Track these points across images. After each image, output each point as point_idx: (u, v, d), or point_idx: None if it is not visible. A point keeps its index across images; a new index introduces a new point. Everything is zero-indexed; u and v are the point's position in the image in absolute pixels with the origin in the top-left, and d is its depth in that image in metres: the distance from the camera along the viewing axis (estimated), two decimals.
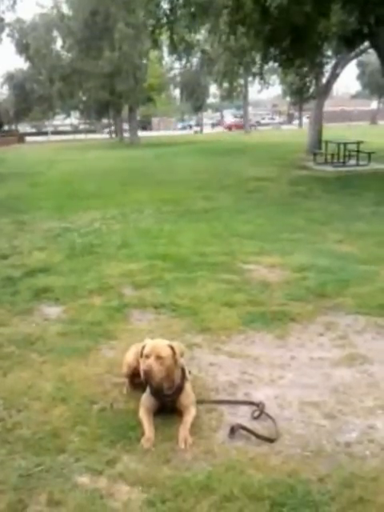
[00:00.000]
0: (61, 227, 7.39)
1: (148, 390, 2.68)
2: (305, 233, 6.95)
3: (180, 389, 2.64)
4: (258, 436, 2.44)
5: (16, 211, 8.85)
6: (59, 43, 38.94)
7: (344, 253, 5.85)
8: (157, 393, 2.64)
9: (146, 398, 2.68)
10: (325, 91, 21.25)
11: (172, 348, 2.59)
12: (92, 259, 5.64)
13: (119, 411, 2.72)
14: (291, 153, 20.71)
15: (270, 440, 2.43)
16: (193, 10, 11.81)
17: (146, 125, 62.53)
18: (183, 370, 2.70)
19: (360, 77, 66.94)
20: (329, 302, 4.25)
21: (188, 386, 2.69)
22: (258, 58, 18.05)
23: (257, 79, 25.33)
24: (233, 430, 2.47)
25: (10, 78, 45.95)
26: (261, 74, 18.77)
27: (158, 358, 2.53)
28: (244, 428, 2.48)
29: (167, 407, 2.66)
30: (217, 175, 14.24)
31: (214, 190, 11.17)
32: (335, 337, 3.59)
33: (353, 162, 15.80)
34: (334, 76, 20.62)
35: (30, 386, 3.03)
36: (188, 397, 2.65)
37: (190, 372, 2.88)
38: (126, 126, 42.31)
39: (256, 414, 2.62)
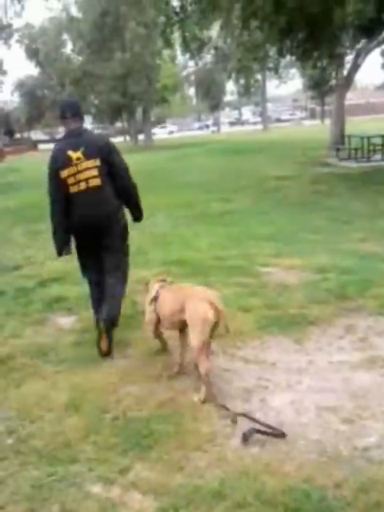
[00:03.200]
0: None
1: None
2: (326, 233, 6.96)
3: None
4: (270, 434, 2.51)
5: (29, 221, 9.06)
6: (69, 46, 39.81)
7: (367, 252, 5.85)
8: None
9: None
10: (346, 83, 21.08)
11: None
12: None
13: (132, 419, 2.80)
14: (312, 149, 20.65)
15: (282, 434, 2.49)
16: (203, 5, 11.87)
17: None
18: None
19: None
20: (350, 303, 4.27)
21: None
22: (272, 52, 18.06)
23: (274, 75, 25.39)
24: (246, 437, 2.53)
25: (20, 85, 46.92)
26: (276, 69, 18.72)
27: None
28: (258, 431, 2.53)
29: None
30: (234, 176, 14.30)
31: (230, 191, 11.23)
32: (355, 339, 3.62)
33: (378, 156, 15.69)
34: (356, 67, 20.43)
35: (43, 397, 3.13)
36: None
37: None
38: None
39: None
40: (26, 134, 61.05)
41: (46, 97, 43.35)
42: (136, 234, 7.38)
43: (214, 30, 17.07)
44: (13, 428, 2.87)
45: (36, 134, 65.10)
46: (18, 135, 60.47)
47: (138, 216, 4.21)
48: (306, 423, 2.66)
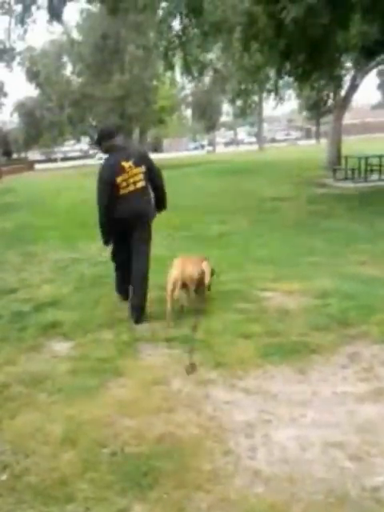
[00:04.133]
0: (70, 258, 7.47)
1: None
2: (325, 255, 6.91)
3: None
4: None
5: (24, 242, 8.99)
6: (69, 69, 40.26)
7: (368, 276, 5.79)
8: None
9: None
10: (343, 104, 21.32)
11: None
12: (102, 291, 5.66)
13: (130, 455, 2.70)
14: (309, 170, 20.78)
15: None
16: (205, 28, 11.96)
17: (156, 147, 63.43)
18: None
19: (381, 86, 67.04)
20: (352, 330, 4.19)
21: None
22: (272, 74, 18.27)
23: (272, 95, 25.72)
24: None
25: (20, 106, 47.23)
26: (276, 91, 18.89)
27: None
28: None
29: None
30: (231, 197, 14.32)
31: (228, 212, 11.22)
32: (360, 369, 3.53)
33: (375, 176, 15.77)
34: (353, 87, 20.61)
35: (38, 429, 3.03)
36: None
37: None
38: None
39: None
40: (23, 155, 61.21)
41: (44, 118, 43.59)
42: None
43: (214, 53, 17.24)
44: (7, 462, 2.76)
45: (33, 154, 65.31)
46: (15, 155, 60.68)
47: (164, 205, 5.27)
48: (312, 460, 2.56)
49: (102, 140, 5.04)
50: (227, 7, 10.76)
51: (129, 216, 4.83)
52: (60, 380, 3.63)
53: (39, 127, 45.35)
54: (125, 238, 5.00)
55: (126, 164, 4.78)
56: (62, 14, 13.41)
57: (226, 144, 71.52)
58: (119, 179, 4.75)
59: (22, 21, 13.94)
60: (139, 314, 4.75)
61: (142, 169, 4.85)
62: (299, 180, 17.64)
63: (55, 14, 13.00)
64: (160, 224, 9.98)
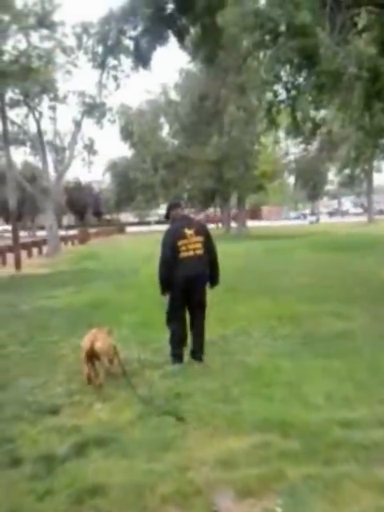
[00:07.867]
0: (141, 360, 6.08)
1: None
2: None
3: None
4: None
5: (91, 327, 7.82)
6: (166, 130, 41.57)
7: None
8: None
9: None
10: None
11: None
12: (174, 425, 4.13)
13: None
14: None
15: None
16: (323, 80, 10.59)
17: (255, 214, 62.94)
18: None
19: None
20: None
21: None
22: None
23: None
24: None
25: (112, 166, 48.99)
26: None
27: None
28: None
29: None
30: (343, 279, 12.57)
31: (342, 301, 9.49)
32: None
33: None
34: None
35: None
36: None
37: None
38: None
39: None
40: (115, 216, 63.14)
41: (137, 179, 44.56)
42: (221, 364, 5.72)
43: (326, 112, 15.92)
44: None
45: (126, 217, 67.16)
46: (107, 217, 62.74)
47: (216, 280, 6.12)
48: None
49: (171, 210, 6.14)
50: (349, 55, 9.40)
51: (187, 278, 5.68)
52: None
53: (132, 189, 46.40)
54: (182, 305, 5.86)
55: (187, 231, 5.76)
56: (150, 61, 13.02)
57: (330, 214, 70.14)
58: (180, 243, 5.70)
59: (102, 65, 13.79)
60: (200, 355, 5.87)
61: (202, 238, 5.83)
62: None
63: (143, 60, 12.61)
64: (259, 312, 8.55)
